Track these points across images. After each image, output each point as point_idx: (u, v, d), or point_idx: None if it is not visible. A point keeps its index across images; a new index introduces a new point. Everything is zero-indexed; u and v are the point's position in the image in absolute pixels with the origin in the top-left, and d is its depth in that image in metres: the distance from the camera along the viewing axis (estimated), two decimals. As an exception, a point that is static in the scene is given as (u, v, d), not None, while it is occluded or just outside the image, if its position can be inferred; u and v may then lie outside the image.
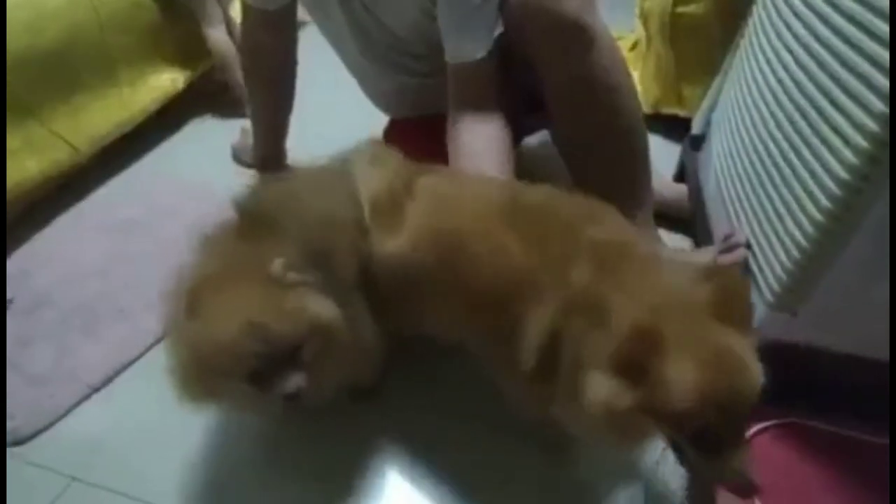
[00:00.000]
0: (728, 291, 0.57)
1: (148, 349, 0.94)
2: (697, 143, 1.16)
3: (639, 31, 1.50)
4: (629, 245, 0.64)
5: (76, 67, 1.22)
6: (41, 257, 1.11)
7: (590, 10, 0.82)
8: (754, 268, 0.78)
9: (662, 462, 0.77)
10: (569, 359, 0.60)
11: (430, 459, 0.80)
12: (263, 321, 0.58)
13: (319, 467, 0.80)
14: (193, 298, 0.61)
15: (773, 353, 0.76)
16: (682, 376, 0.52)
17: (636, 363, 0.52)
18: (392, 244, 0.71)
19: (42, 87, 1.16)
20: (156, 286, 1.02)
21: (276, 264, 0.60)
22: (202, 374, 0.62)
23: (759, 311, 0.76)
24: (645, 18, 1.43)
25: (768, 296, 0.74)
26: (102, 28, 1.26)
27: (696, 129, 1.20)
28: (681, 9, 1.26)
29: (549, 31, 0.82)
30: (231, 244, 0.67)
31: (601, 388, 0.54)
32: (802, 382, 0.78)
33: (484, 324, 0.68)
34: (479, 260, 0.66)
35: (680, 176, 1.23)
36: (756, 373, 0.54)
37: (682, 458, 0.58)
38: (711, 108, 1.14)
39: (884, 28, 0.57)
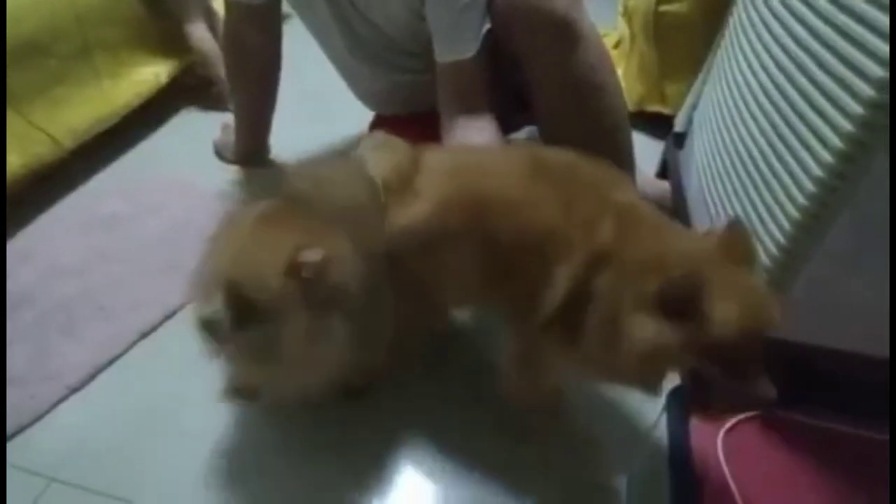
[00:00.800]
0: (735, 237, 0.63)
1: (129, 348, 0.93)
2: (680, 140, 1.18)
3: (622, 29, 1.52)
4: (646, 208, 0.68)
5: (55, 59, 1.20)
6: (20, 255, 1.09)
7: (577, 8, 0.83)
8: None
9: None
10: (600, 313, 0.64)
11: (438, 448, 0.81)
12: (251, 265, 0.61)
13: (304, 467, 0.79)
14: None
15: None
16: (724, 313, 0.58)
17: (683, 303, 0.57)
18: (407, 215, 0.72)
19: (21, 78, 1.14)
20: (138, 284, 1.03)
21: (314, 253, 0.60)
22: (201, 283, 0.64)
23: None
24: (629, 16, 1.44)
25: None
26: (80, 20, 1.24)
27: (678, 126, 1.22)
28: (664, 7, 1.27)
29: (536, 29, 0.83)
30: (282, 212, 0.67)
31: (648, 328, 0.59)
32: (780, 375, 0.80)
33: (510, 280, 0.70)
34: (506, 217, 0.68)
35: (662, 173, 1.25)
36: (775, 303, 0.61)
37: (702, 388, 0.65)
38: (694, 107, 1.15)
39: (859, 30, 0.58)
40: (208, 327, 0.61)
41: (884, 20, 0.54)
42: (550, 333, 0.69)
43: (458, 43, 0.89)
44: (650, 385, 0.69)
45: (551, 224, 0.66)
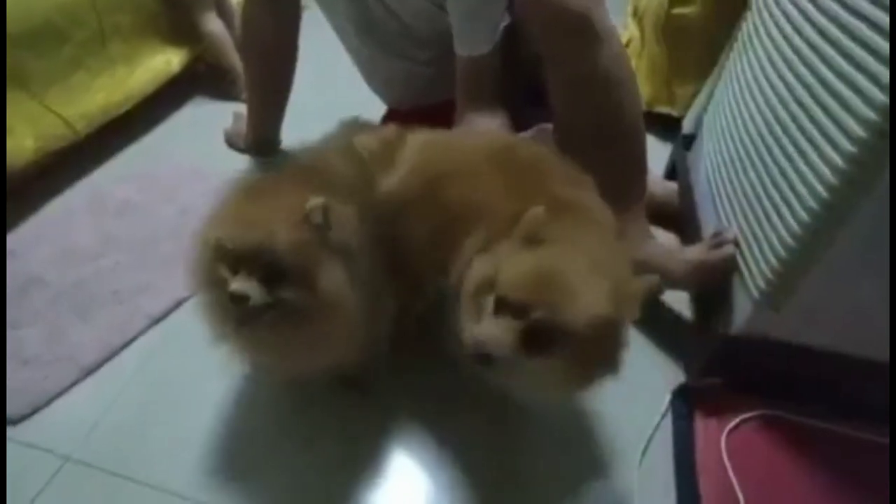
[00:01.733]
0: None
1: (142, 332, 0.94)
2: (688, 142, 1.19)
3: (631, 29, 1.52)
4: (584, 210, 0.67)
5: (70, 45, 1.21)
6: (31, 238, 1.10)
7: (599, 7, 0.83)
8: (742, 265, 0.80)
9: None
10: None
11: (435, 440, 0.82)
12: (268, 226, 0.59)
13: (324, 447, 0.80)
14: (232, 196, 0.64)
15: (758, 349, 0.79)
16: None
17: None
18: (386, 183, 0.77)
19: (37, 62, 1.15)
20: (150, 270, 1.04)
21: (316, 201, 0.61)
22: (201, 250, 0.64)
23: (746, 307, 0.79)
24: (639, 17, 1.45)
25: (755, 292, 0.76)
26: (96, 6, 1.24)
27: (687, 128, 1.23)
28: (676, 10, 1.28)
29: (555, 26, 0.83)
30: (282, 181, 0.68)
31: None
32: (785, 377, 0.81)
33: (444, 250, 0.71)
34: (451, 187, 0.71)
35: (670, 174, 1.26)
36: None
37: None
38: (704, 109, 1.16)
39: (870, 34, 0.60)
40: (240, 301, 0.59)
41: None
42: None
43: (476, 37, 0.90)
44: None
45: (483, 201, 0.68)
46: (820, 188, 0.65)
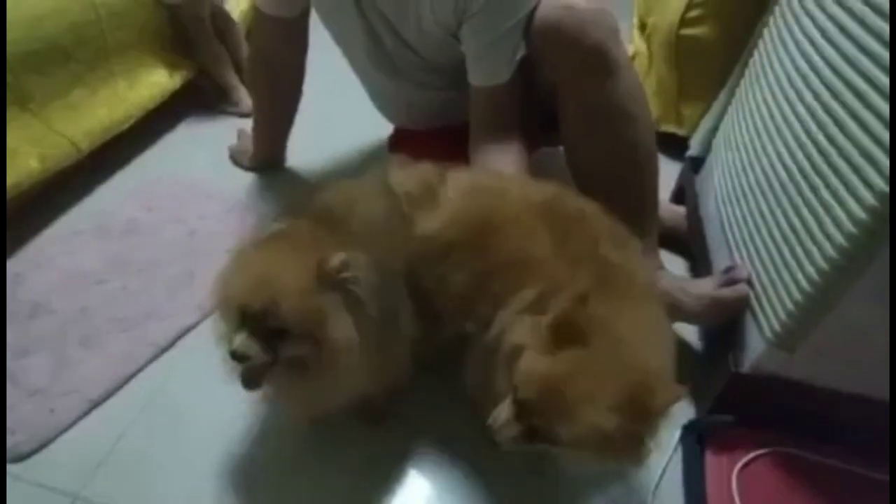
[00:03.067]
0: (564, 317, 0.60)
1: (150, 361, 0.93)
2: (697, 165, 1.18)
3: (637, 44, 1.51)
4: (631, 275, 0.68)
5: (75, 63, 1.19)
6: (36, 261, 1.08)
7: (614, 39, 0.83)
8: (755, 305, 0.80)
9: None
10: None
11: (451, 469, 0.82)
12: (274, 289, 0.59)
13: (338, 478, 0.80)
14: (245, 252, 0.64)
15: (770, 387, 0.79)
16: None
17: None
18: (427, 225, 0.76)
19: (41, 82, 1.13)
20: (156, 295, 1.03)
21: (336, 258, 0.61)
22: (219, 311, 0.65)
23: (759, 346, 0.79)
24: (648, 35, 1.44)
25: (769, 334, 0.76)
26: (100, 22, 1.23)
27: (694, 150, 1.22)
28: (686, 31, 1.27)
29: (571, 58, 0.83)
30: (300, 231, 0.67)
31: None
32: (796, 414, 0.81)
33: (485, 300, 0.71)
34: (497, 237, 0.71)
35: (677, 197, 1.25)
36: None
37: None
38: (712, 131, 1.15)
39: (877, 73, 0.60)
40: (241, 359, 0.61)
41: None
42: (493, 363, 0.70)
43: (493, 68, 0.90)
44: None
45: (529, 256, 0.68)
46: (839, 237, 0.64)
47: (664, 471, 0.82)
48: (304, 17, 1.08)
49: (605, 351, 0.58)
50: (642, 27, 1.52)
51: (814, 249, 0.68)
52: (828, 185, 0.67)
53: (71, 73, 1.19)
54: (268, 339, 0.61)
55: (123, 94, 1.32)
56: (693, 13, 1.25)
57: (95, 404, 0.87)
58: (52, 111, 1.16)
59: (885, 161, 0.59)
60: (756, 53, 0.97)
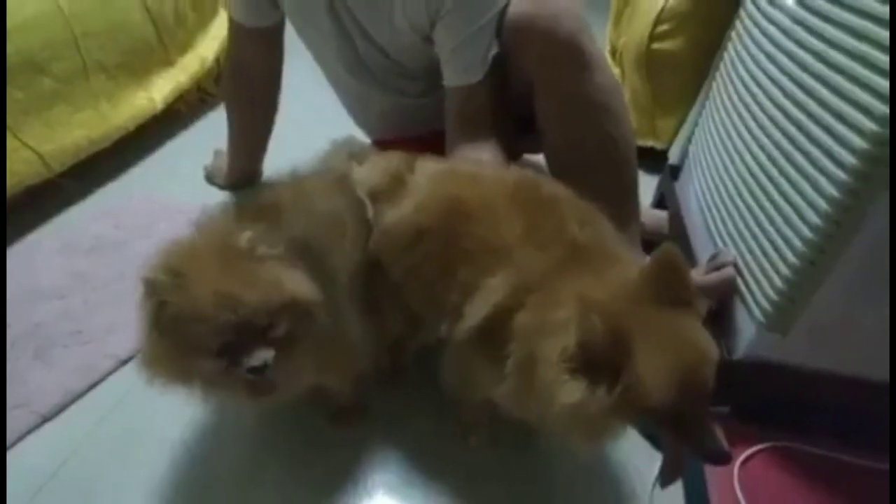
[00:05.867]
0: (664, 268, 0.57)
1: (107, 374, 0.87)
2: (675, 172, 1.19)
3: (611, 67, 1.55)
4: (607, 250, 0.65)
5: (50, 79, 1.17)
6: (-7, 278, 1.03)
7: (585, 33, 0.84)
8: (743, 288, 0.77)
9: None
10: (521, 350, 0.60)
11: (418, 465, 0.78)
12: (233, 290, 0.56)
13: (286, 494, 0.74)
14: (170, 270, 0.58)
15: (763, 374, 0.76)
16: (656, 371, 0.52)
17: (606, 363, 0.52)
18: (395, 212, 0.73)
19: (13, 95, 1.11)
20: (119, 308, 0.97)
21: (244, 237, 0.59)
22: (174, 350, 0.58)
23: (750, 330, 0.76)
24: (619, 54, 1.47)
25: (759, 316, 0.73)
26: (77, 41, 1.22)
27: (673, 158, 1.23)
28: (656, 45, 1.31)
29: (544, 52, 0.83)
30: (220, 226, 0.65)
31: (573, 392, 0.53)
32: (793, 405, 0.78)
33: (455, 288, 0.67)
34: (468, 223, 0.67)
35: (658, 204, 1.25)
36: (712, 348, 0.56)
37: (656, 441, 0.59)
38: (688, 140, 1.16)
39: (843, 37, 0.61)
40: (261, 369, 0.58)
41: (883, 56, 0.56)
42: (473, 357, 0.67)
43: (466, 67, 0.90)
44: (590, 444, 0.63)
45: (501, 240, 0.65)
46: (821, 202, 0.63)
47: (662, 468, 0.76)
48: (280, 27, 1.08)
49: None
50: (613, 52, 1.57)
51: (797, 220, 0.67)
52: (805, 152, 0.67)
53: (48, 89, 1.17)
54: (259, 338, 0.58)
55: (104, 114, 1.30)
56: (662, 28, 1.28)
57: (45, 419, 0.80)
58: (24, 126, 1.14)
59: (862, 120, 0.58)
60: (725, 55, 0.99)
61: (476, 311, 0.65)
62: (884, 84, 0.56)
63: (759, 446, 0.77)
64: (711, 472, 0.75)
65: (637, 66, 1.36)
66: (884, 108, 0.55)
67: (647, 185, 1.28)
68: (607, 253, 0.64)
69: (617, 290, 0.58)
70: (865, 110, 0.58)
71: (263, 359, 0.57)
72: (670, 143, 1.37)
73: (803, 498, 0.73)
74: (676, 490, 0.76)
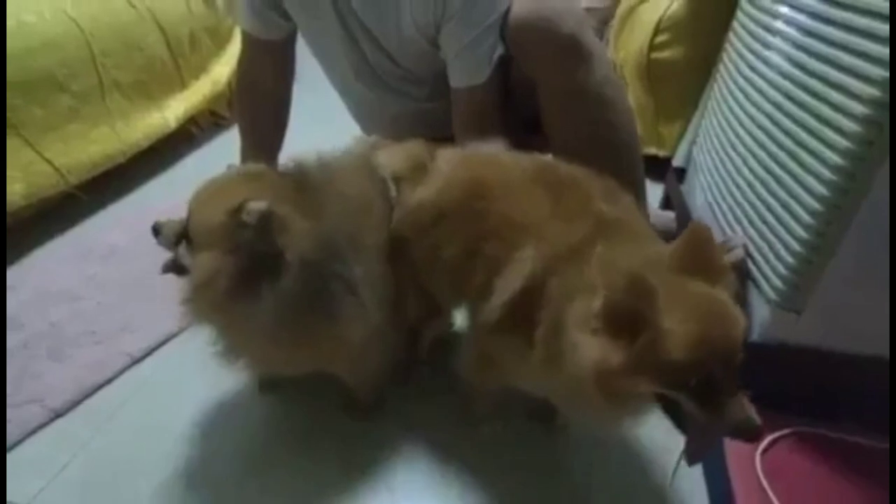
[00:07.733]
0: (693, 242, 0.57)
1: (120, 372, 0.87)
2: (681, 175, 1.20)
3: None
4: (632, 224, 0.65)
5: (69, 96, 1.22)
6: (11, 284, 1.04)
7: (584, 30, 0.86)
8: (755, 271, 0.77)
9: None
10: (549, 317, 0.59)
11: (441, 464, 0.77)
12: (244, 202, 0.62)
13: (301, 493, 0.73)
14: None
15: (780, 357, 0.75)
16: (680, 326, 0.50)
17: (629, 317, 0.51)
18: (417, 195, 0.74)
19: (34, 110, 1.15)
20: (131, 310, 0.98)
21: (256, 203, 0.62)
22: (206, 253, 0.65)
23: (764, 312, 0.75)
24: (620, 67, 1.51)
25: (772, 295, 0.73)
26: (95, 61, 1.27)
27: (678, 161, 1.24)
28: (655, 55, 1.34)
29: (547, 48, 0.86)
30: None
31: (594, 347, 0.52)
32: (811, 388, 0.76)
33: (480, 266, 0.67)
34: (493, 200, 0.68)
35: (664, 206, 1.26)
36: (741, 316, 0.54)
37: (680, 420, 0.56)
38: (693, 142, 1.18)
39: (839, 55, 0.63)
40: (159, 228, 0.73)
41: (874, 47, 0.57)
42: (499, 336, 0.66)
43: (473, 68, 0.93)
44: (612, 418, 0.61)
45: (529, 216, 0.66)
46: (826, 172, 0.64)
47: (682, 456, 0.75)
48: (292, 41, 1.12)
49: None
50: (613, 67, 1.60)
51: (803, 194, 0.68)
52: (806, 127, 0.68)
53: (66, 106, 1.21)
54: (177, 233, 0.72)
55: (119, 132, 1.34)
56: (661, 38, 1.32)
57: (57, 414, 0.80)
58: (44, 140, 1.17)
59: (863, 87, 0.60)
60: (724, 56, 1.02)
61: (508, 284, 0.64)
62: (881, 50, 0.57)
63: (782, 432, 0.76)
64: (733, 459, 0.73)
65: (638, 76, 1.40)
66: (883, 72, 0.57)
67: (653, 192, 1.30)
68: (634, 227, 0.65)
69: (646, 260, 0.57)
70: (864, 77, 0.59)
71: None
72: (673, 149, 1.38)
73: (827, 483, 0.72)
74: (698, 480, 0.74)
